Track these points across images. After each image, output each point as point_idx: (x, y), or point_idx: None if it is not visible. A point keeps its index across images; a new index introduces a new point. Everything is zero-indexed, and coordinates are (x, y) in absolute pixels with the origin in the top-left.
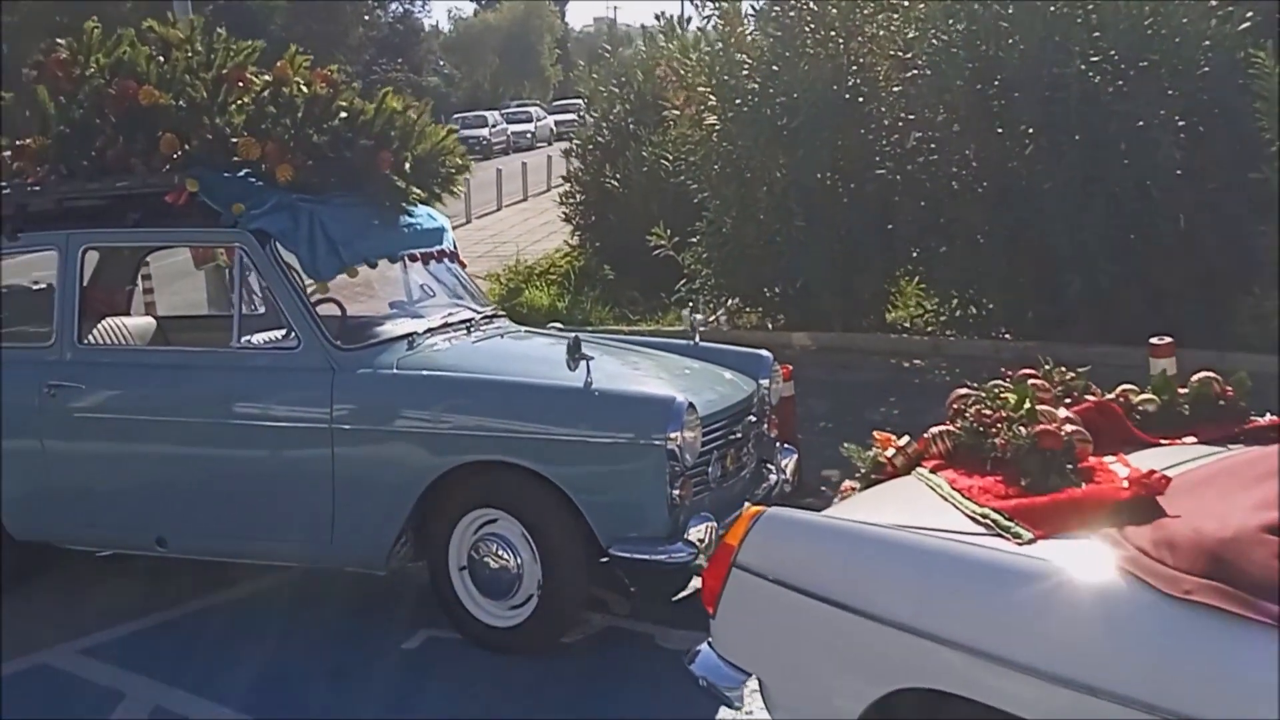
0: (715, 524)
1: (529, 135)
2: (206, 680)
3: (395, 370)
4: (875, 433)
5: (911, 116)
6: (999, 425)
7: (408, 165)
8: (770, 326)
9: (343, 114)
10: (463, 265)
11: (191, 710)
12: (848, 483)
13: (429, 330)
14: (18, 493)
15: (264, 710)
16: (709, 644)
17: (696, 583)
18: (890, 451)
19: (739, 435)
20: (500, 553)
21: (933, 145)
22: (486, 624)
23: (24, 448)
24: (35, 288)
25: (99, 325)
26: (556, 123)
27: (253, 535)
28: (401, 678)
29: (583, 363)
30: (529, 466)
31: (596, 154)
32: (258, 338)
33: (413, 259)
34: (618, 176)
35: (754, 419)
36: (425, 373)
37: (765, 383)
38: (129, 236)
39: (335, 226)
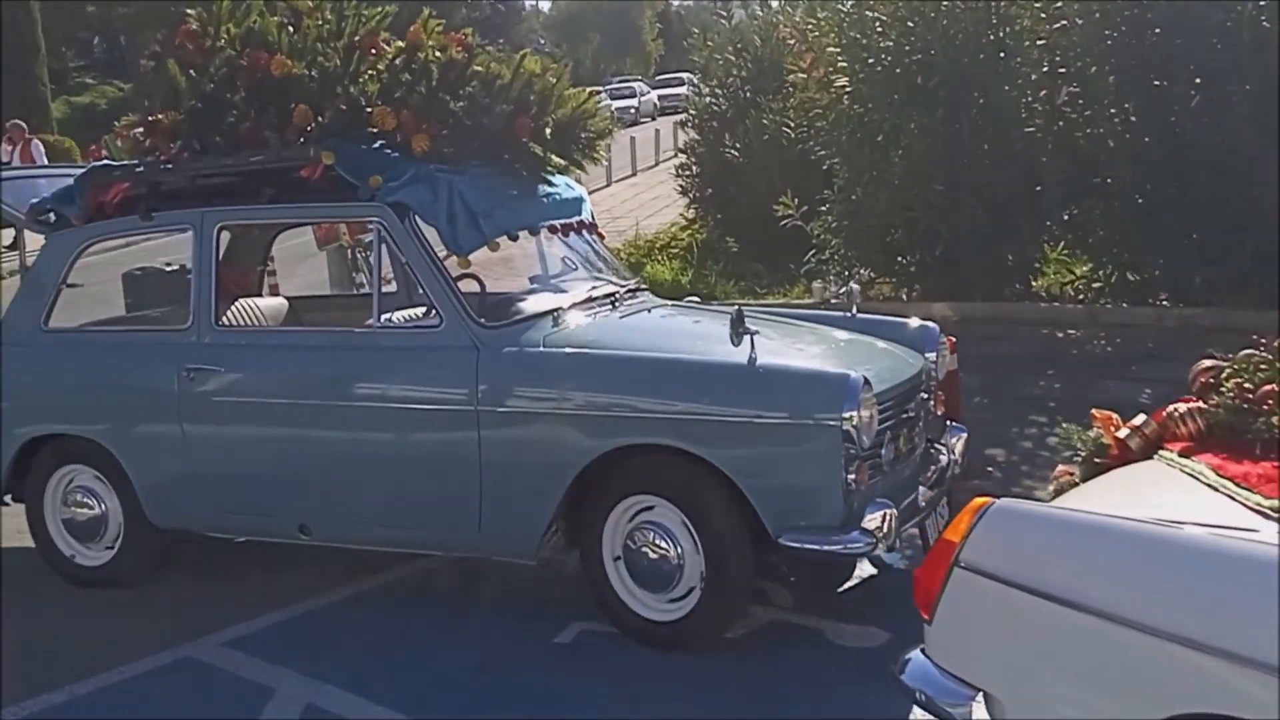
0: (894, 510)
1: (632, 110)
2: (357, 675)
3: (542, 348)
4: (1095, 411)
5: (1063, 70)
6: (1271, 402)
7: (548, 131)
8: (905, 297)
9: (479, 79)
10: (601, 237)
11: (345, 708)
12: (1063, 467)
13: (573, 305)
14: (156, 478)
15: (418, 709)
16: (923, 652)
17: (859, 571)
18: (1123, 432)
19: (911, 414)
20: (659, 542)
21: (1084, 100)
22: (644, 618)
23: (162, 432)
24: (168, 269)
25: (233, 307)
26: (660, 97)
27: (397, 523)
28: (554, 674)
29: (747, 338)
30: (690, 450)
31: (714, 124)
32: (396, 316)
33: (552, 230)
34: (737, 146)
35: (925, 396)
36: (576, 351)
37: (932, 356)
38: (265, 213)
39: (475, 198)
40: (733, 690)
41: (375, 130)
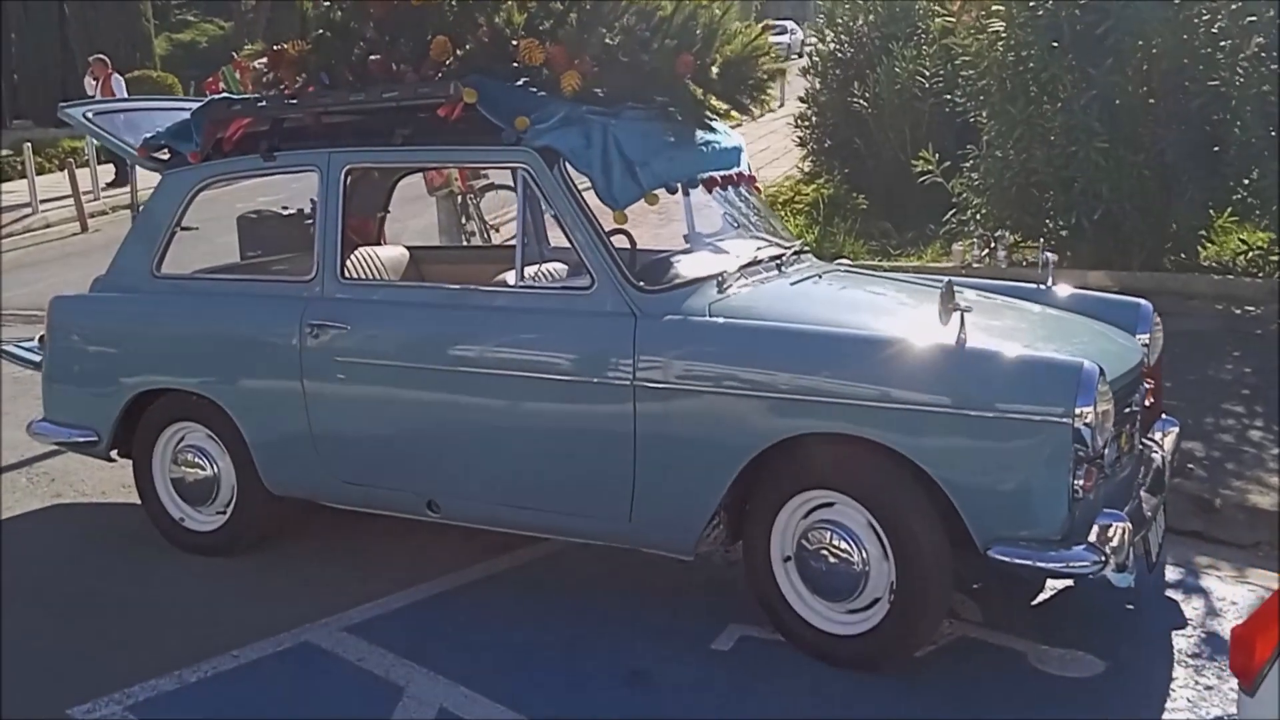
0: (1127, 524)
1: (784, 48)
2: (493, 676)
3: (709, 317)
4: None
5: (1252, 18)
6: None
7: (714, 71)
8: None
9: (635, 10)
10: (758, 191)
11: (481, 713)
12: None
13: (739, 269)
14: (273, 441)
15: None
16: None
17: (1053, 583)
18: None
19: (1134, 408)
20: (839, 545)
21: (1272, 53)
22: (818, 628)
23: (282, 392)
24: (285, 213)
25: (352, 256)
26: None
27: (537, 505)
28: (712, 685)
29: (956, 315)
30: (883, 442)
31: (838, 72)
32: (532, 272)
33: (711, 183)
34: (865, 96)
35: (1146, 386)
36: (750, 322)
37: (1144, 338)
38: (397, 156)
39: (631, 144)
40: (918, 718)
41: (519, 66)
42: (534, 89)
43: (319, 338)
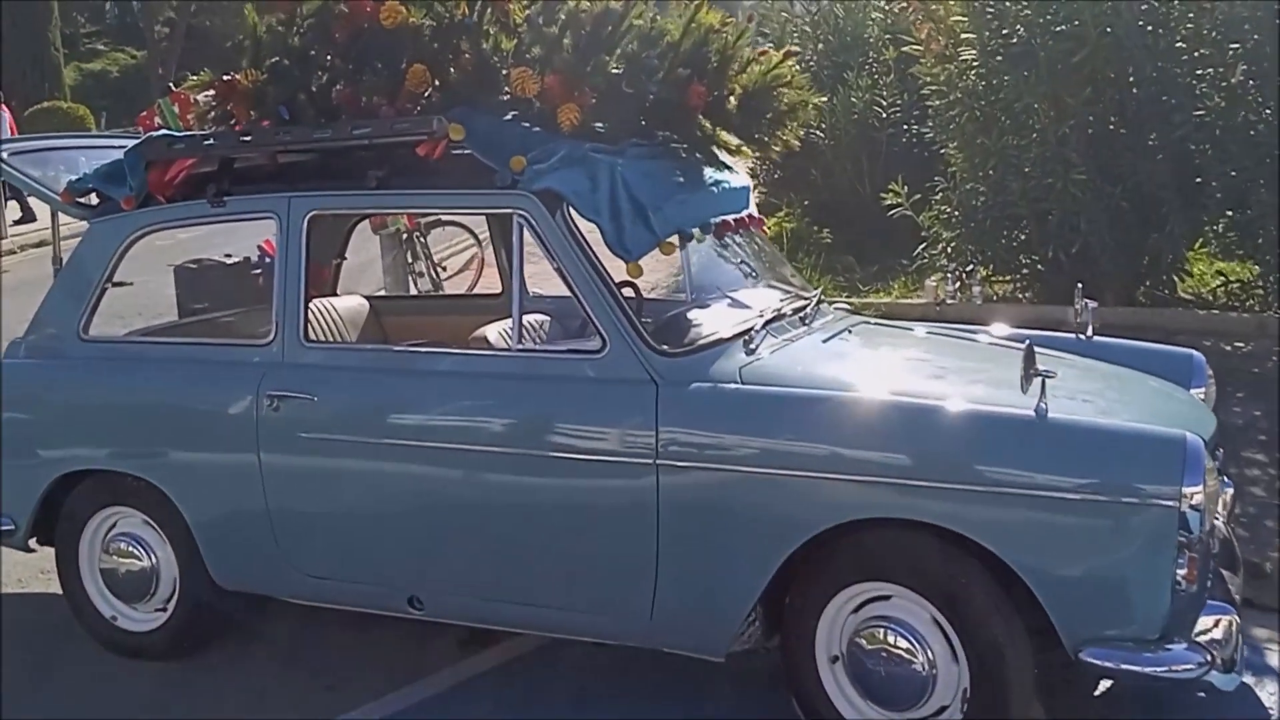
0: (1235, 618)
1: None
2: None
3: (740, 384)
4: None
5: (1235, 45)
6: None
7: (732, 102)
8: (1026, 298)
9: (637, 34)
10: (765, 232)
11: None
12: None
13: (765, 325)
14: (225, 530)
15: None
16: None
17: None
18: None
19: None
20: (898, 644)
21: (1256, 82)
22: None
23: (235, 473)
24: (229, 262)
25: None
26: None
27: (541, 602)
28: None
29: (1037, 380)
30: (953, 528)
31: None
32: (499, 330)
33: (724, 228)
34: (821, 126)
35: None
36: (791, 391)
37: (1199, 392)
38: (371, 201)
39: (641, 186)
40: None
41: (509, 97)
42: (525, 124)
43: (280, 410)
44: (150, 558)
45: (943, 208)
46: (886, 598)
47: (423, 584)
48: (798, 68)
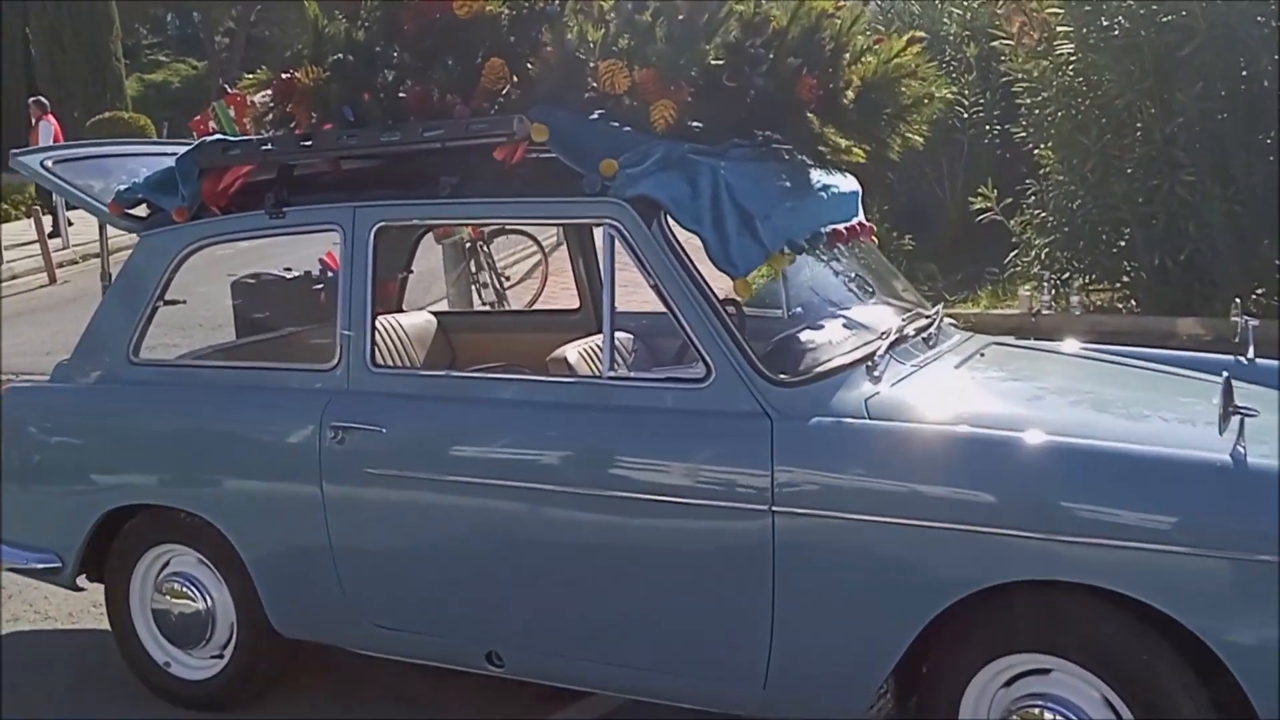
0: None
1: None
2: None
3: (869, 419)
4: None
5: None
6: None
7: (849, 96)
8: (1123, 310)
9: (739, 20)
10: (875, 240)
11: None
12: None
13: (889, 348)
14: (286, 573)
15: None
16: None
17: None
18: None
19: None
20: None
21: None
22: None
23: (296, 511)
24: (288, 277)
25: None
26: None
27: (634, 662)
28: None
29: (1236, 419)
30: (1131, 594)
31: None
32: (578, 350)
33: (836, 237)
34: None
35: None
36: (935, 428)
37: None
38: (444, 210)
39: (746, 192)
40: None
41: (595, 94)
42: (614, 123)
43: (344, 443)
44: (205, 600)
45: (1036, 212)
46: (1046, 671)
47: (503, 639)
48: (925, 56)
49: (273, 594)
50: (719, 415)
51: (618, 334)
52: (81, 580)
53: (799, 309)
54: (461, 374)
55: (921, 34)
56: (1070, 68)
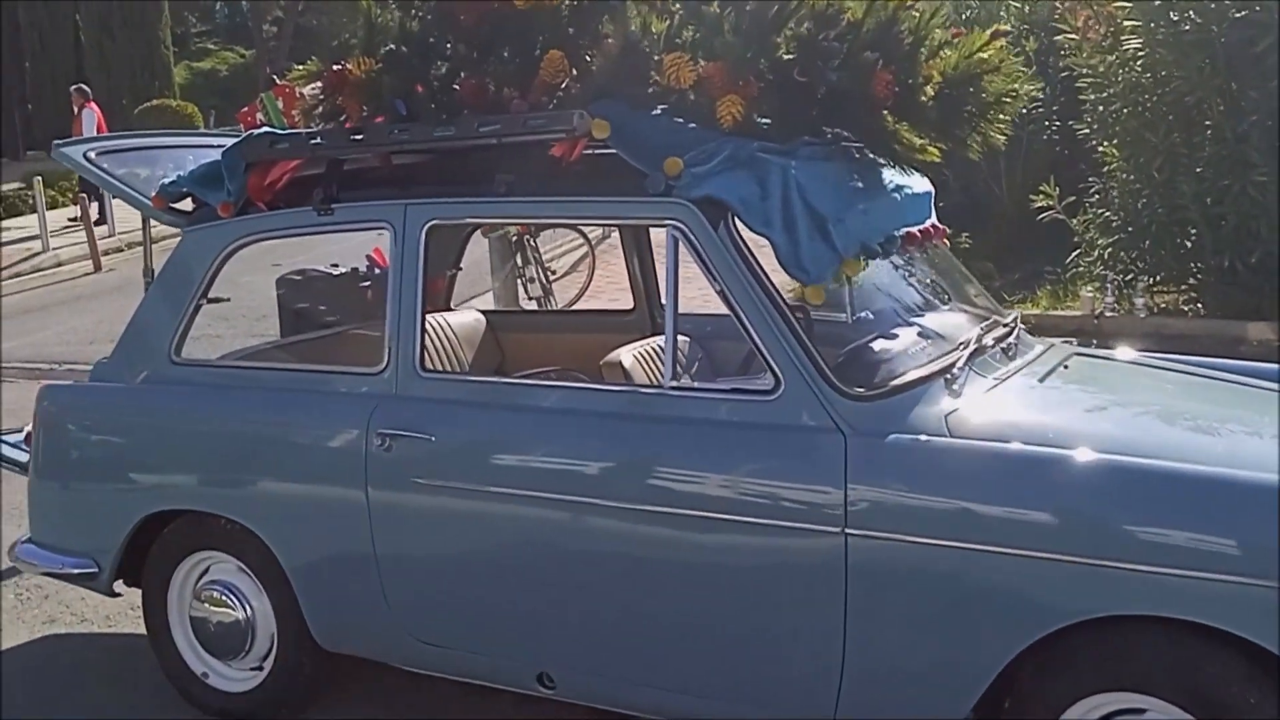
0: None
1: None
2: None
3: (950, 436)
4: None
5: None
6: None
7: (927, 93)
8: (1189, 312)
9: (809, 11)
10: (947, 243)
11: None
12: None
13: (968, 359)
14: (328, 585)
15: None
16: None
17: None
18: None
19: None
20: None
21: None
22: None
23: (340, 521)
24: (335, 273)
25: None
26: None
27: (695, 688)
28: None
29: None
30: (1243, 634)
31: None
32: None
33: (910, 241)
34: None
35: None
36: (1025, 449)
37: None
38: (499, 209)
39: (819, 194)
40: None
41: (657, 88)
42: (679, 120)
43: (392, 451)
44: (245, 609)
45: (1099, 210)
46: (1140, 711)
47: (555, 660)
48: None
49: (314, 605)
50: (788, 430)
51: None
52: (118, 586)
53: (866, 314)
54: (515, 380)
55: (1006, 28)
56: (1138, 63)
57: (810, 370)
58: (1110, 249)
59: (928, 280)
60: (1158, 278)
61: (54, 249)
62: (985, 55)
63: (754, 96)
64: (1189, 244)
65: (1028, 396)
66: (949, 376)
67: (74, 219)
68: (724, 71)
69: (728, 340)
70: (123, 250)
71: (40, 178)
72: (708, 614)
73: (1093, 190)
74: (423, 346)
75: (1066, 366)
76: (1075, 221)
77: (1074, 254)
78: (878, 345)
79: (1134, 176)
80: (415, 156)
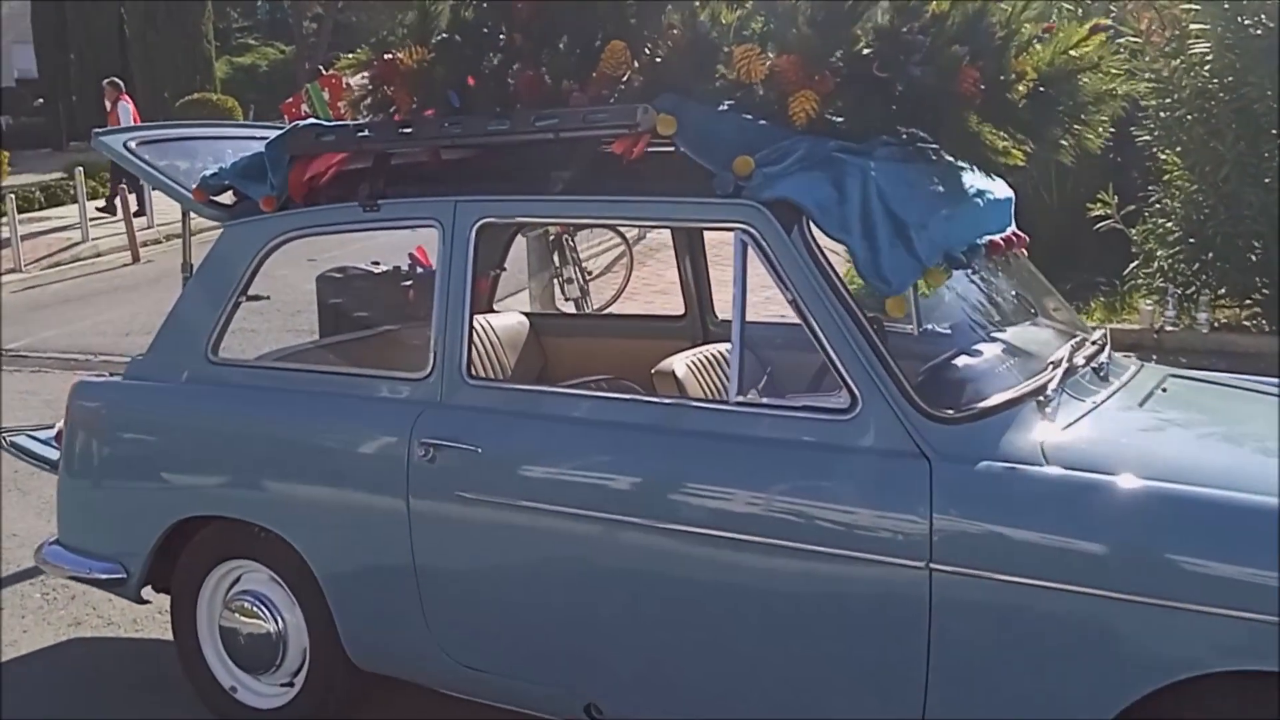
0: None
1: None
2: None
3: (1047, 466)
4: None
5: None
6: None
7: (1019, 90)
8: (1252, 328)
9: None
10: (1026, 253)
11: None
12: None
13: (1062, 381)
14: (365, 601)
15: None
16: None
17: None
18: None
19: None
20: None
21: None
22: None
23: (379, 535)
24: (377, 271)
25: None
26: None
27: None
28: None
29: None
30: None
31: None
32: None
33: (994, 249)
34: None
35: None
36: (1132, 482)
37: None
38: (554, 209)
39: (899, 198)
40: None
41: (724, 82)
42: (748, 117)
43: (436, 462)
44: (277, 621)
45: (1160, 220)
46: None
47: (605, 691)
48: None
49: (350, 622)
50: (866, 453)
51: (725, 346)
52: (146, 592)
53: (934, 327)
54: (566, 390)
55: (1106, 21)
56: (1205, 68)
57: (891, 389)
58: (1169, 261)
59: (1009, 292)
60: (1220, 292)
61: (93, 239)
62: (1083, 51)
63: (829, 93)
64: (1254, 257)
65: (1129, 423)
66: (1042, 399)
67: (102, 209)
68: (798, 65)
69: (794, 352)
70: (161, 242)
71: (81, 168)
72: (773, 649)
73: (1152, 199)
74: (470, 352)
75: (1165, 389)
76: (1135, 231)
77: (1132, 265)
78: (960, 362)
79: (1198, 186)
80: (465, 151)
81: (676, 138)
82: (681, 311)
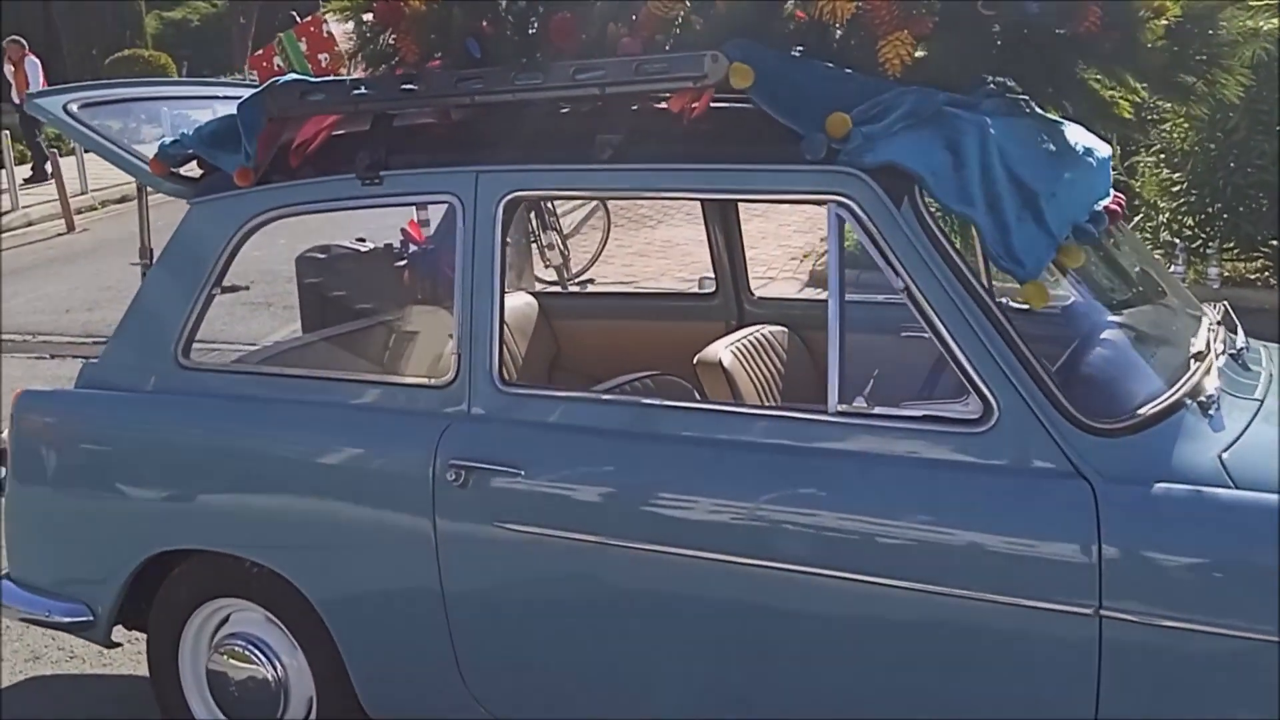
0: None
1: None
2: None
3: (1234, 486)
4: None
5: None
6: None
7: (1154, 30)
8: (1259, 282)
9: None
10: (1126, 221)
11: None
12: None
13: (1214, 378)
14: (383, 645)
15: None
16: None
17: None
18: None
19: None
20: None
21: None
22: None
23: (399, 573)
24: (362, 249)
25: None
26: None
27: None
28: None
29: None
30: None
31: None
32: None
33: (1113, 217)
34: None
35: None
36: None
37: None
38: (601, 180)
39: (1022, 160)
40: None
41: (802, 23)
42: (829, 65)
43: (469, 487)
44: (275, 668)
45: (1162, 172)
46: None
47: None
48: None
49: (364, 667)
50: (1007, 473)
51: (770, 329)
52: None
53: (1062, 314)
54: (625, 398)
55: None
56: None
57: (1036, 394)
58: (1172, 214)
59: (1127, 267)
60: (1230, 245)
61: (23, 207)
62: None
63: (926, 34)
64: (1262, 208)
65: None
66: (1203, 400)
67: (29, 179)
68: (893, 3)
69: (877, 336)
70: (97, 209)
71: (8, 132)
72: (887, 707)
73: (1153, 150)
74: (502, 353)
75: None
76: (1136, 183)
77: (1134, 219)
78: (1103, 358)
79: (1204, 134)
80: (489, 112)
81: (753, 91)
82: (712, 289)
